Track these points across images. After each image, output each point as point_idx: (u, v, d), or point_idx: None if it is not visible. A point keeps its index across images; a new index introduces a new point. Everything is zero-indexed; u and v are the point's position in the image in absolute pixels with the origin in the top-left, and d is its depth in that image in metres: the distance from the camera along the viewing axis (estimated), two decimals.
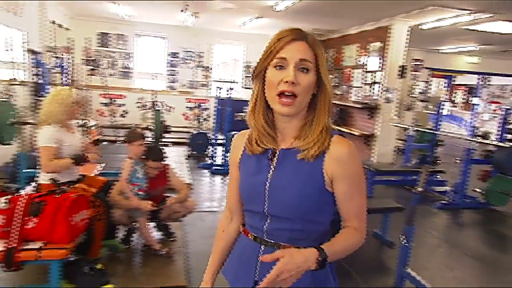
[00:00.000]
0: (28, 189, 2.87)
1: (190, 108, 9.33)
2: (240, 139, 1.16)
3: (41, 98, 4.16)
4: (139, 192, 2.94)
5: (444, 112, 9.56)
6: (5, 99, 3.97)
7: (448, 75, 12.91)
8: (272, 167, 1.05)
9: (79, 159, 2.71)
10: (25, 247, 2.12)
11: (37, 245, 2.16)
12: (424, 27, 6.70)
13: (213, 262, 1.23)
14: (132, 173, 2.93)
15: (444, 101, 10.35)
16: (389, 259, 3.36)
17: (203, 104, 8.71)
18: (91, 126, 2.93)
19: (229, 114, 5.87)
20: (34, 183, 2.83)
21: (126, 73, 9.42)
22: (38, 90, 4.73)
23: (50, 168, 2.59)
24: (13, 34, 5.42)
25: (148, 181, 3.03)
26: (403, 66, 6.93)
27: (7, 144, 3.49)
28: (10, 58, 5.20)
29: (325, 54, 1.03)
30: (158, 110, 3.93)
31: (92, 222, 2.59)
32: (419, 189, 2.63)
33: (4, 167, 4.39)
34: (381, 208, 3.62)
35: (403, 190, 5.57)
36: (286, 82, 0.96)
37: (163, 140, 4.36)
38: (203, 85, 9.91)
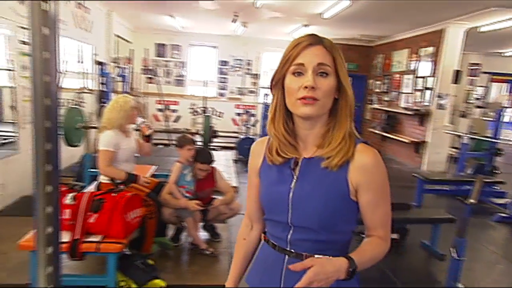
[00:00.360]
0: (91, 187, 3.15)
1: (239, 114, 9.61)
2: (259, 146, 1.12)
3: (104, 105, 4.58)
4: (187, 194, 3.11)
5: (506, 119, 8.88)
6: (75, 106, 4.42)
7: (510, 79, 11.94)
8: (295, 177, 1.02)
9: (131, 178, 2.92)
10: (87, 240, 2.34)
11: (97, 238, 2.37)
12: (482, 29, 6.33)
13: (235, 270, 1.21)
14: (180, 176, 3.12)
15: (506, 107, 9.59)
16: (439, 272, 3.20)
17: (251, 110, 8.93)
18: (141, 123, 3.17)
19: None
20: (96, 182, 3.11)
21: (180, 81, 9.96)
22: (102, 97, 5.20)
23: (105, 173, 2.85)
24: (84, 47, 6.02)
25: (196, 183, 3.19)
26: (458, 71, 6.60)
27: (75, 146, 3.88)
28: (81, 69, 5.77)
29: (343, 58, 1.00)
30: (208, 115, 4.14)
31: (145, 220, 2.80)
32: (472, 200, 2.52)
33: (72, 167, 4.88)
34: (430, 219, 3.50)
35: (457, 200, 5.28)
36: (306, 87, 0.93)
37: (212, 144, 4.57)
38: (251, 91, 10.17)
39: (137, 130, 3.24)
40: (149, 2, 6.35)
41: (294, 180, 1.01)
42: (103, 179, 2.94)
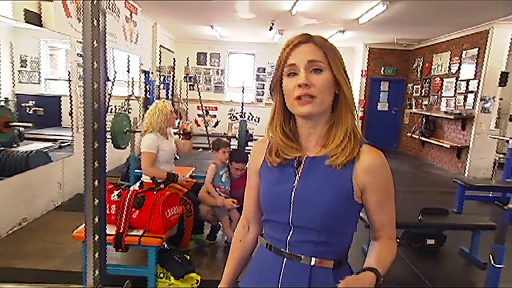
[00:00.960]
0: (135, 186, 3.38)
1: None
2: (260, 147, 1.10)
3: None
4: (223, 194, 3.26)
5: None
6: (123, 112, 4.77)
7: None
8: (298, 176, 0.99)
9: (171, 177, 3.15)
10: (130, 233, 2.54)
11: (139, 232, 2.56)
12: None
13: (228, 273, 1.18)
14: (216, 176, 3.30)
15: None
16: (479, 281, 3.07)
17: None
18: (181, 122, 3.40)
19: None
20: (139, 181, 3.35)
21: (219, 88, 10.30)
22: (147, 103, 5.56)
23: (148, 173, 3.09)
24: (131, 58, 6.48)
25: (231, 183, 3.34)
26: (505, 72, 6.30)
27: (122, 149, 4.22)
28: (129, 78, 6.22)
29: (338, 53, 0.98)
30: (244, 120, 4.33)
31: (183, 218, 3.01)
32: (510, 205, 2.47)
33: (120, 168, 5.26)
34: (469, 225, 3.39)
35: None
36: (300, 86, 0.93)
37: (247, 147, 4.73)
38: None
39: (177, 133, 3.45)
40: (189, 12, 6.70)
41: (297, 179, 0.99)
42: (145, 178, 3.18)
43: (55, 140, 5.30)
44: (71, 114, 5.02)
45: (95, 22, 0.79)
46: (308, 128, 1.00)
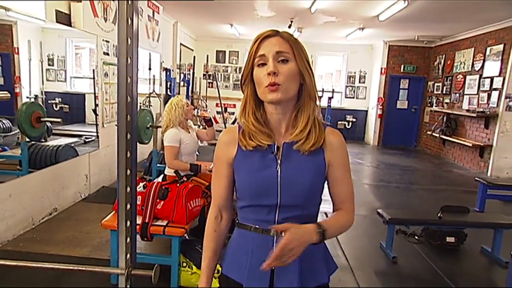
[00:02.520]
0: (159, 179, 3.42)
1: None
2: (229, 136, 1.16)
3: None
4: None
5: None
6: (146, 108, 4.91)
7: None
8: (279, 160, 1.08)
9: (195, 168, 3.23)
10: (155, 223, 2.63)
11: (163, 222, 2.65)
12: None
13: (208, 267, 1.21)
14: None
15: None
16: (501, 280, 3.03)
17: None
18: (200, 110, 3.47)
19: (329, 121, 6.07)
20: (162, 175, 3.45)
21: (237, 85, 10.39)
22: (168, 100, 5.68)
23: (172, 166, 3.19)
24: (153, 56, 6.63)
25: None
26: None
27: (146, 144, 4.35)
28: (150, 76, 6.37)
29: (303, 47, 1.08)
30: None
31: (204, 210, 3.10)
32: None
33: (143, 162, 5.41)
34: (491, 223, 3.36)
35: None
36: (269, 74, 1.02)
37: None
38: None
39: (199, 125, 3.50)
40: (210, 11, 6.80)
41: (279, 163, 1.08)
42: (168, 172, 3.28)
43: (80, 135, 5.50)
44: (94, 111, 5.21)
45: (129, 21, 0.85)
46: (278, 114, 1.10)
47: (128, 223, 0.94)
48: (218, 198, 1.19)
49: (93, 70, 5.21)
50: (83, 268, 0.97)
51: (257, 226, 1.10)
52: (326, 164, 1.10)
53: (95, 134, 5.22)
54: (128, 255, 0.96)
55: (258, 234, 1.10)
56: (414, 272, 3.12)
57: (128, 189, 0.93)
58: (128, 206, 0.93)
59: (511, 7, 5.53)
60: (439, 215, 3.23)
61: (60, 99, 5.68)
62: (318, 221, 1.09)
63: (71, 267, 1.05)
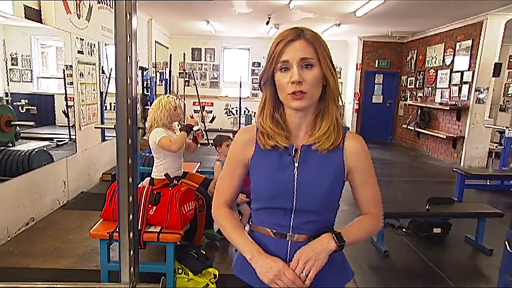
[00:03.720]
0: (144, 183, 3.32)
1: None
2: (246, 136, 1.13)
3: (147, 107, 4.83)
4: None
5: None
6: None
7: None
8: (296, 163, 1.06)
9: (188, 128, 3.08)
10: (148, 230, 2.52)
11: (157, 229, 2.54)
12: None
13: (247, 237, 1.10)
14: None
15: None
16: (486, 267, 3.17)
17: None
18: (196, 131, 3.33)
19: None
20: (148, 178, 3.29)
21: (214, 83, 10.27)
22: (146, 100, 5.51)
23: (175, 146, 2.96)
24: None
25: None
26: (498, 63, 6.42)
27: None
28: None
29: (326, 47, 1.04)
30: (249, 115, 4.33)
31: (196, 213, 3.01)
32: None
33: None
34: (478, 213, 3.46)
35: (500, 195, 5.19)
36: (293, 83, 0.99)
37: None
38: None
39: (192, 138, 3.35)
40: (186, 8, 6.63)
41: (296, 166, 1.06)
42: (156, 175, 3.16)
43: (51, 139, 5.23)
44: (65, 112, 4.95)
45: (128, 16, 0.77)
46: (298, 118, 1.08)
47: (131, 234, 0.87)
48: (224, 196, 1.17)
49: (63, 69, 4.95)
50: (82, 286, 0.88)
51: (272, 230, 1.08)
52: (346, 169, 1.07)
53: (67, 136, 4.97)
54: (132, 269, 0.89)
55: (273, 238, 1.08)
56: (406, 265, 3.19)
57: (131, 198, 0.85)
58: (131, 216, 0.86)
59: (478, 4, 5.75)
60: (427, 207, 3.31)
61: (26, 100, 5.40)
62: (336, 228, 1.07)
63: (68, 286, 0.95)
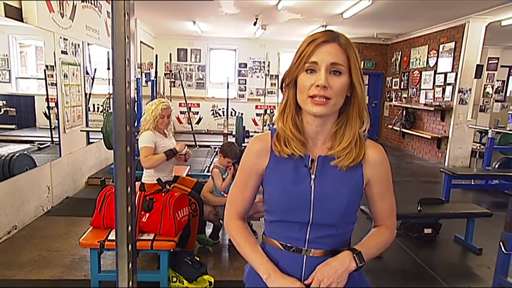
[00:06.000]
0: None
1: (259, 114, 9.76)
2: (260, 145, 1.06)
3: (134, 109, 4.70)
4: (226, 195, 3.22)
5: None
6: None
7: None
8: (313, 175, 1.00)
9: (171, 153, 2.98)
10: (141, 238, 2.44)
11: (150, 236, 2.47)
12: (504, 23, 6.33)
13: (261, 253, 1.06)
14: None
15: None
16: (477, 267, 3.19)
17: (273, 111, 9.07)
18: (187, 152, 3.24)
19: None
20: (138, 183, 3.14)
21: (200, 84, 10.15)
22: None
23: (148, 163, 2.88)
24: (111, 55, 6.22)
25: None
26: (480, 65, 6.59)
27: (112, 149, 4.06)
28: (109, 76, 5.97)
29: (358, 56, 0.97)
30: (240, 117, 4.26)
31: (189, 218, 2.94)
32: None
33: (109, 168, 5.08)
34: (469, 213, 3.49)
35: (484, 194, 5.32)
36: (318, 86, 0.92)
37: (245, 144, 4.71)
38: (270, 92, 10.30)
39: (184, 155, 3.28)
40: (172, 8, 6.53)
41: (313, 178, 1.00)
42: (146, 180, 3.05)
43: (32, 141, 5.05)
44: (46, 114, 4.79)
45: (127, 16, 0.72)
46: (315, 126, 1.01)
47: (130, 246, 0.82)
48: (240, 209, 1.12)
49: (44, 70, 4.79)
50: None
51: (287, 244, 1.03)
52: (365, 181, 1.02)
53: (49, 139, 4.81)
54: (131, 282, 0.85)
55: (287, 252, 1.03)
56: (399, 266, 3.20)
57: (129, 208, 0.80)
58: (130, 227, 0.81)
59: (461, 7, 5.88)
60: (418, 208, 3.33)
61: (4, 101, 5.22)
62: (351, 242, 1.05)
63: None
